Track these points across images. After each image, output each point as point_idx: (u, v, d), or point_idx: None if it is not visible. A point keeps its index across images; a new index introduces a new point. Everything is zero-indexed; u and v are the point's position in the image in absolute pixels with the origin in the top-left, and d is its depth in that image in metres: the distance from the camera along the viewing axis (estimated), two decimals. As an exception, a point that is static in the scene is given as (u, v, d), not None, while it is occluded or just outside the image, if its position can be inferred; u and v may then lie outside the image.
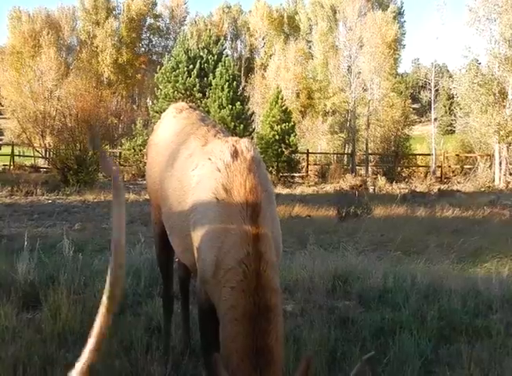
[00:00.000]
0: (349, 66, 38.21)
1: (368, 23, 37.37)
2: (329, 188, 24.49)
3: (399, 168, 33.19)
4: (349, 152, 36.90)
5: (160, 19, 58.21)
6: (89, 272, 5.78)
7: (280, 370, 2.49)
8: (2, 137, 41.42)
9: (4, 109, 39.74)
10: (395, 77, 43.06)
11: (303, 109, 42.76)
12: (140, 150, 27.48)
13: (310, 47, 48.65)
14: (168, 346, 4.09)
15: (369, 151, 36.38)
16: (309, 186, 26.32)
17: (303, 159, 32.08)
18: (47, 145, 29.96)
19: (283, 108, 29.14)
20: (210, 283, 2.80)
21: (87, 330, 3.82)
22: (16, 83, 36.82)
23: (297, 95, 42.84)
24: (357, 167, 34.72)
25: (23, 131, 31.08)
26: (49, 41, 43.28)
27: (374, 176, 30.37)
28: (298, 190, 23.98)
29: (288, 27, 56.17)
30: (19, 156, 32.37)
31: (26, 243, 6.26)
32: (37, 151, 30.98)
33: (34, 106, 31.52)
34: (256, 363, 2.45)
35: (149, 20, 57.40)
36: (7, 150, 32.87)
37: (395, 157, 33.46)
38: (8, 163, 30.32)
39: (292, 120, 29.72)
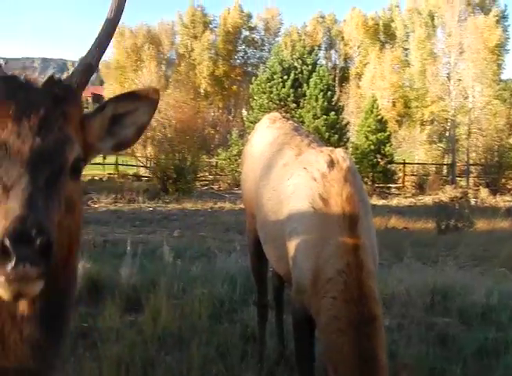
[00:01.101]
0: (448, 74, 36.85)
1: (469, 28, 35.87)
2: (427, 200, 23.63)
3: (503, 180, 31.42)
4: (449, 162, 35.49)
5: (255, 31, 59.21)
6: (187, 279, 5.96)
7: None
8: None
9: (109, 121, 42.03)
10: (499, 84, 40.86)
11: (399, 118, 41.69)
12: (236, 160, 27.99)
13: (407, 55, 47.39)
14: (263, 354, 4.12)
15: (471, 162, 34.75)
16: (406, 198, 25.56)
17: (399, 169, 31.25)
18: (148, 155, 31.25)
19: (379, 117, 28.60)
20: (308, 293, 2.80)
21: (185, 335, 3.93)
22: (120, 96, 38.84)
23: (393, 104, 41.84)
24: (457, 178, 33.29)
25: (126, 142, 32.66)
26: (150, 55, 45.36)
27: (476, 188, 28.97)
28: (394, 202, 23.37)
29: (384, 34, 55.07)
30: (123, 165, 34.11)
31: (128, 248, 6.59)
32: (139, 161, 32.45)
33: (136, 117, 33.02)
34: (364, 371, 2.44)
35: (245, 33, 58.51)
36: (112, 159, 34.82)
37: (499, 168, 31.70)
38: (112, 172, 32.17)
39: (388, 129, 29.08)
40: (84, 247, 8.25)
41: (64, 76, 1.62)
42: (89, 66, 1.63)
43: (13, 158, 1.36)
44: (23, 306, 1.47)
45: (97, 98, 47.70)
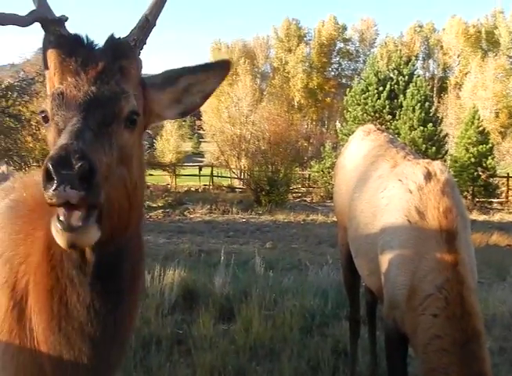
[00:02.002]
0: (559, 82, 34.61)
1: None
2: (533, 216, 22.23)
3: None
4: (558, 176, 33.13)
5: (349, 43, 58.89)
6: (279, 290, 5.99)
7: None
8: (203, 159, 45.13)
9: (205, 133, 43.31)
10: None
11: (503, 129, 39.67)
12: (329, 172, 27.83)
13: (511, 62, 45.13)
14: (355, 371, 4.04)
15: None
16: (510, 213, 24.15)
17: (502, 183, 29.60)
18: (242, 166, 31.83)
19: (480, 129, 27.36)
20: (402, 310, 2.71)
21: (276, 346, 3.95)
22: (216, 109, 39.96)
23: (496, 115, 39.91)
24: None
25: (221, 154, 33.43)
26: (245, 69, 46.48)
27: None
28: (497, 217, 22.16)
29: (486, 42, 52.82)
30: (218, 176, 34.97)
31: (222, 258, 6.74)
32: (233, 172, 33.10)
33: (231, 130, 33.73)
34: None
35: (339, 44, 58.41)
36: (207, 171, 35.84)
37: None
38: (208, 183, 33.09)
39: (490, 141, 27.73)
40: (180, 256, 8.55)
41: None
42: (145, 22, 1.67)
43: (68, 104, 1.45)
44: (79, 269, 1.53)
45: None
